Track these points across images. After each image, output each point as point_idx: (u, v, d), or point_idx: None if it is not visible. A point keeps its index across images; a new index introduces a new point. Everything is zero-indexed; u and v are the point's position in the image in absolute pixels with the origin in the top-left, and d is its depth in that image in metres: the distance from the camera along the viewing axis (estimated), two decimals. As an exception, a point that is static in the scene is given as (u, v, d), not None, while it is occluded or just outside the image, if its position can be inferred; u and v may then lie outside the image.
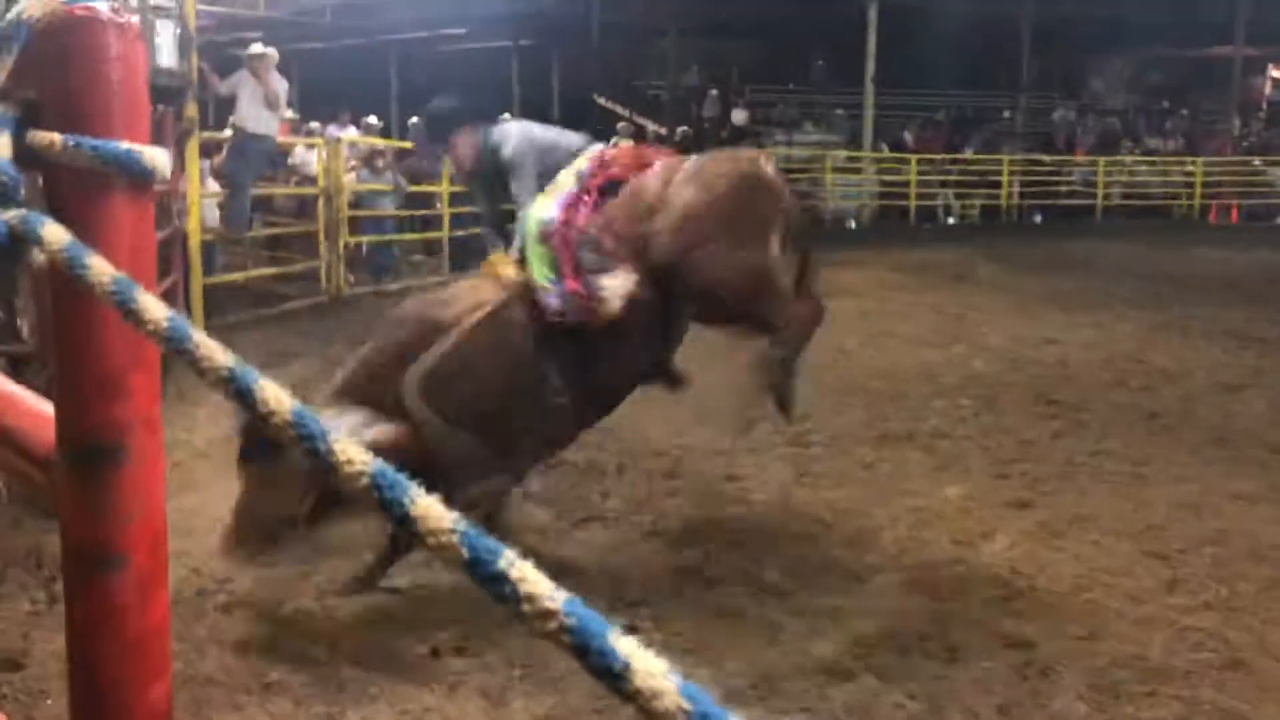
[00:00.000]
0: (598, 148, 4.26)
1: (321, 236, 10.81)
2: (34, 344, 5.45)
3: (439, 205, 13.22)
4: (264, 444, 3.42)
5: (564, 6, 21.58)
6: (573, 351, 3.89)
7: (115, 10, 1.04)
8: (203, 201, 9.03)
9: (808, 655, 3.54)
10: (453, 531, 0.67)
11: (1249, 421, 6.33)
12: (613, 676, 0.61)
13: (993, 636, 3.69)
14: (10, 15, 1.04)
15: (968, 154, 22.20)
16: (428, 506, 0.68)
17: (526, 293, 3.92)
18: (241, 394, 0.78)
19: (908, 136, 22.66)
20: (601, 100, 25.94)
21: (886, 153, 21.50)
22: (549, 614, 0.64)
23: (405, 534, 0.70)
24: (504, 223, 4.33)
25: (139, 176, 1.02)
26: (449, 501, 0.69)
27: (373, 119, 15.14)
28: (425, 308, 4.06)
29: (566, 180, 4.05)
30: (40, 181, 1.08)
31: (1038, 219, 21.44)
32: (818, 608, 3.89)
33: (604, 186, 4.05)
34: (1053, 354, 8.26)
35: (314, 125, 13.79)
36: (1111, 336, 8.95)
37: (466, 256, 11.56)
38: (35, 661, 3.37)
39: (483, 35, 24.21)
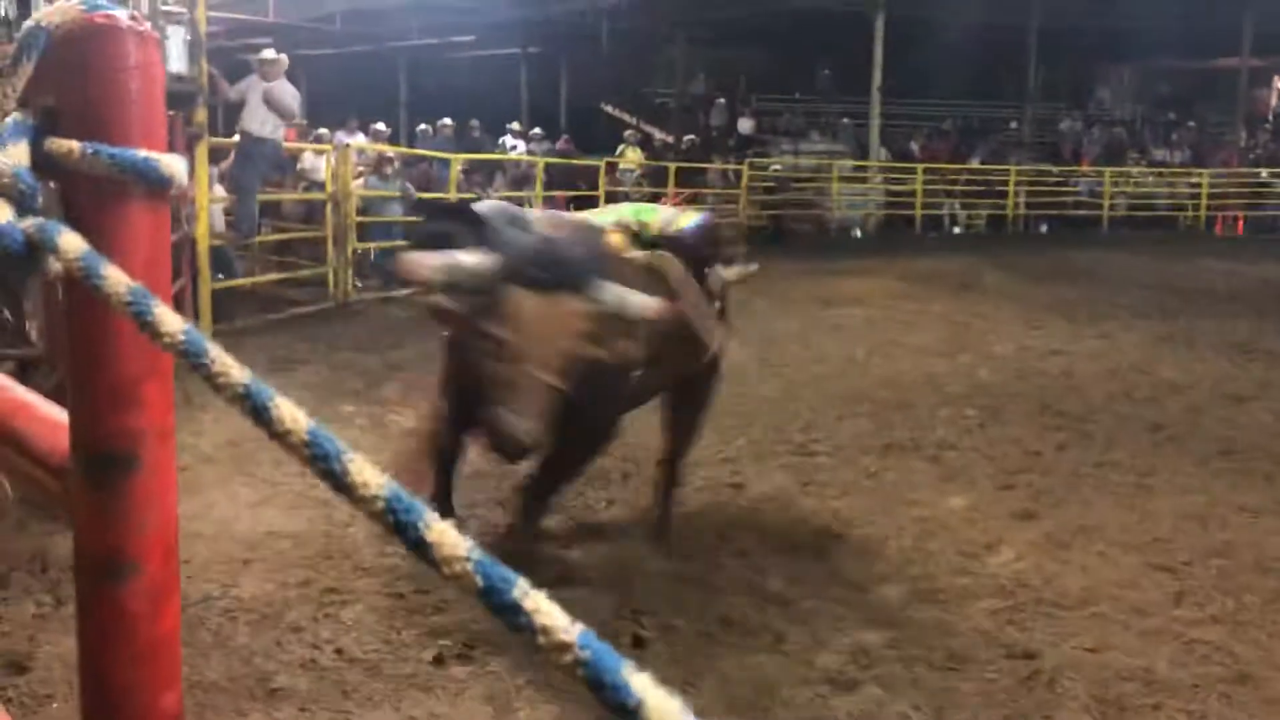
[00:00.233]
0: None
1: (329, 242, 10.83)
2: (43, 347, 5.47)
3: (446, 211, 13.21)
4: None
5: (572, 14, 21.61)
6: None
7: (134, 18, 1.05)
8: (210, 207, 9.04)
9: (811, 665, 3.54)
10: (467, 559, 0.66)
11: (1255, 433, 6.32)
12: (626, 713, 0.60)
13: (998, 647, 3.68)
14: (29, 22, 1.04)
15: (974, 164, 22.20)
16: (442, 532, 0.67)
17: None
18: (257, 410, 0.77)
19: (914, 146, 22.67)
20: (609, 108, 26.02)
21: (892, 162, 21.53)
22: (564, 647, 0.63)
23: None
24: None
25: (156, 184, 1.02)
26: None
27: (381, 125, 15.19)
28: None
29: None
30: (56, 188, 1.08)
31: (1044, 229, 21.41)
32: (822, 617, 3.89)
33: None
34: (1058, 364, 8.25)
35: (322, 131, 13.84)
36: (1117, 347, 8.94)
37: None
38: (40, 665, 3.38)
39: (491, 42, 24.29)
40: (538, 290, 3.33)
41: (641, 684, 0.61)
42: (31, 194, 0.98)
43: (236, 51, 19.26)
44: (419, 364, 7.59)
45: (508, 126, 19.35)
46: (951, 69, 22.87)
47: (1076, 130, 24.79)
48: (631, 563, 4.33)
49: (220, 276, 9.66)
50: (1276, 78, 25.78)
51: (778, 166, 21.09)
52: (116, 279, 0.88)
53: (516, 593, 0.65)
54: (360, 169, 12.19)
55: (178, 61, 8.25)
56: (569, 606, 0.65)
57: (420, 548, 0.68)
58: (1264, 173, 22.33)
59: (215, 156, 9.75)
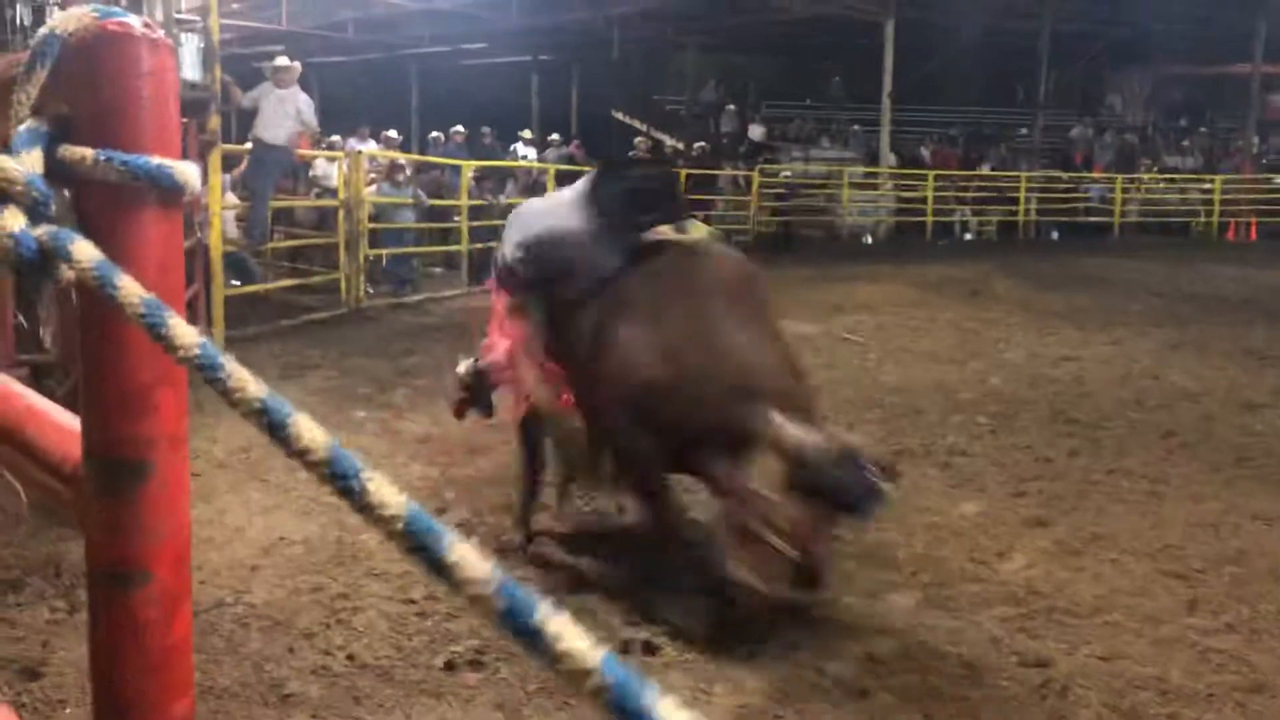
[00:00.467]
0: None
1: (342, 249, 10.87)
2: (56, 353, 5.49)
3: (458, 218, 13.28)
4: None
5: (584, 22, 21.65)
6: None
7: (147, 24, 1.05)
8: (222, 213, 9.09)
9: (823, 673, 3.52)
10: (489, 582, 0.66)
11: (1269, 440, 6.28)
12: None
13: (1010, 655, 3.66)
14: (43, 30, 1.04)
15: (985, 170, 22.17)
16: (464, 554, 0.67)
17: None
18: (274, 427, 0.76)
19: (925, 152, 22.66)
20: (620, 115, 26.08)
21: (903, 168, 21.52)
22: (587, 673, 0.62)
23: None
24: None
25: (169, 191, 1.02)
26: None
27: (392, 133, 15.25)
28: None
29: None
30: (69, 195, 1.09)
31: (1055, 236, 21.39)
32: (834, 625, 3.88)
33: None
34: (1070, 371, 8.22)
35: (334, 138, 13.89)
36: (1129, 354, 8.91)
37: (485, 269, 11.59)
38: (54, 670, 3.38)
39: (502, 50, 24.38)
40: None
41: (667, 710, 0.60)
42: (45, 201, 0.98)
43: (250, 59, 19.37)
44: (429, 370, 7.61)
45: (519, 134, 19.41)
46: (962, 75, 22.92)
47: (1088, 137, 24.76)
48: (643, 570, 4.32)
49: (236, 283, 9.71)
50: (1288, 83, 25.70)
51: (788, 173, 21.10)
52: (130, 290, 0.88)
53: (538, 617, 0.64)
54: (372, 175, 12.23)
55: (191, 69, 8.31)
56: (581, 614, 0.65)
57: (440, 570, 0.68)
58: (1277, 178, 22.28)
59: (228, 163, 9.80)
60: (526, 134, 19.70)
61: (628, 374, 3.79)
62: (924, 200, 20.54)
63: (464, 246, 12.99)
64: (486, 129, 19.22)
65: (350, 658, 3.57)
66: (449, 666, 3.53)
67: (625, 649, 3.59)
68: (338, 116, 18.19)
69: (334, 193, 11.57)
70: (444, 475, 5.50)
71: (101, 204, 1.02)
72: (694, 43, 24.92)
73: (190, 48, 8.34)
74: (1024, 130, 24.71)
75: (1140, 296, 12.29)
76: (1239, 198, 21.88)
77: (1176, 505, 5.18)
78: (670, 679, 3.34)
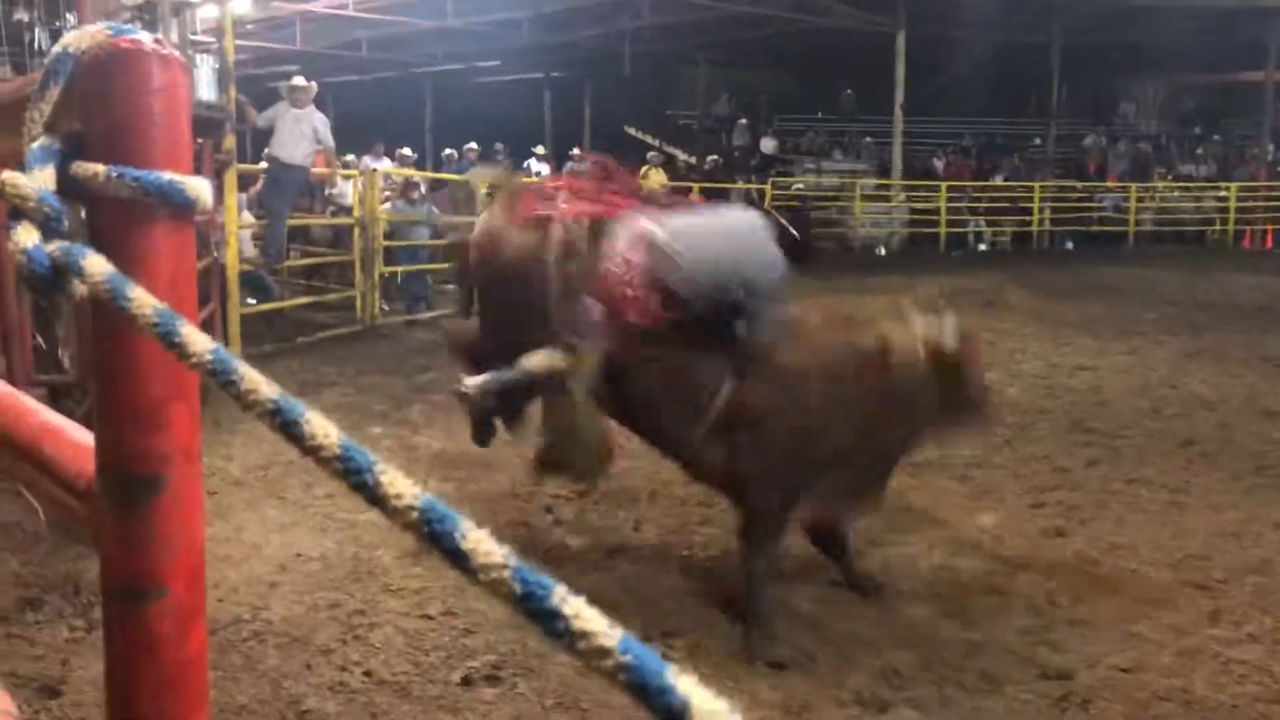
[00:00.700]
0: None
1: (357, 266, 10.92)
2: (75, 374, 5.52)
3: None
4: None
5: (595, 38, 21.72)
6: None
7: (159, 41, 1.06)
8: (239, 232, 9.14)
9: (842, 686, 3.50)
10: (504, 566, 0.66)
11: (1290, 449, 6.23)
12: (671, 716, 0.59)
13: (1030, 667, 3.64)
14: (56, 48, 1.05)
15: (998, 181, 22.14)
16: (479, 540, 0.67)
17: None
18: (287, 426, 0.77)
19: (937, 164, 22.64)
20: (632, 130, 26.15)
21: (915, 180, 21.51)
22: (605, 652, 0.62)
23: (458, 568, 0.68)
24: None
25: (180, 206, 1.02)
26: None
27: (407, 150, 15.31)
28: None
29: None
30: (82, 211, 1.09)
31: (1069, 245, 21.33)
32: (852, 637, 3.86)
33: None
34: (1086, 381, 8.18)
35: (349, 157, 13.96)
36: (1146, 363, 8.86)
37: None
38: (73, 688, 3.39)
39: (515, 67, 24.48)
40: None
41: (686, 686, 0.59)
42: (57, 217, 0.99)
43: (265, 79, 19.52)
44: (445, 386, 7.62)
45: (532, 150, 19.48)
46: (974, 86, 22.86)
47: (1101, 146, 24.69)
48: (660, 583, 4.31)
49: (252, 301, 9.75)
50: (1303, 90, 25.57)
51: (800, 186, 21.11)
52: (143, 300, 0.89)
53: (555, 599, 0.64)
54: (387, 193, 12.28)
55: (207, 90, 8.36)
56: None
57: (456, 556, 0.68)
58: (1292, 186, 22.15)
59: (244, 183, 9.85)
60: (540, 150, 19.77)
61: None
62: (937, 211, 20.51)
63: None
64: (500, 146, 19.30)
65: (368, 674, 3.57)
66: (466, 682, 3.52)
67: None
68: (352, 135, 18.29)
69: (349, 210, 11.62)
70: (460, 491, 5.50)
71: (114, 220, 1.03)
72: (705, 57, 25.01)
73: (206, 69, 8.39)
74: (1037, 140, 24.64)
75: (1156, 305, 12.24)
76: (1254, 205, 21.78)
77: (1197, 514, 5.14)
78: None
